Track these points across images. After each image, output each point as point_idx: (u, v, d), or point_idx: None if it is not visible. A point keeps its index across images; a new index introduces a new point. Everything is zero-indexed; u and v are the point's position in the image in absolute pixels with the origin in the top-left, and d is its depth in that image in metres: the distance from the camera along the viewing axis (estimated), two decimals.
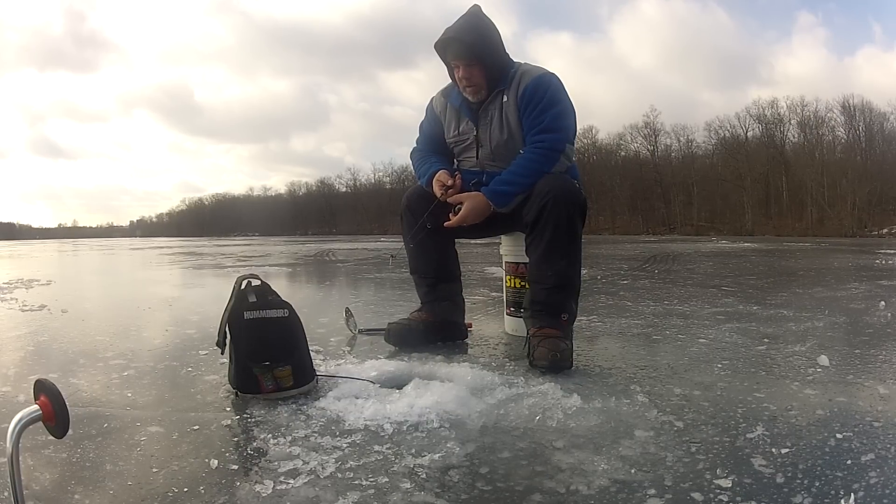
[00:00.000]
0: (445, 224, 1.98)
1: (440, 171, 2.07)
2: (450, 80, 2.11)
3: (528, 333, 1.92)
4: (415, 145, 2.29)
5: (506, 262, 2.35)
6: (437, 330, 2.17)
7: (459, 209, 1.97)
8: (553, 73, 2.03)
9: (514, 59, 2.07)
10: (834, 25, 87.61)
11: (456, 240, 2.26)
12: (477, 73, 1.97)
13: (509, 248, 2.31)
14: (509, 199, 1.94)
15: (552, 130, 1.95)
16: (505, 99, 2.00)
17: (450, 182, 2.01)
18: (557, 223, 1.85)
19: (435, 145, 2.22)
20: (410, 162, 2.28)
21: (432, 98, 2.24)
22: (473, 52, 1.94)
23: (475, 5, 2.02)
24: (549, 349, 1.76)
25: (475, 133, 2.08)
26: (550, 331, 1.84)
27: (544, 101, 1.96)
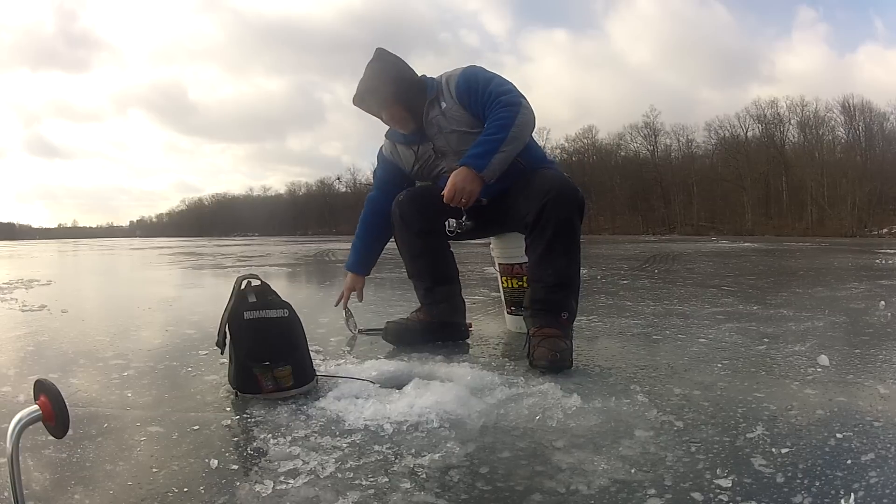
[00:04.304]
0: (446, 199, 1.92)
1: (350, 276, 2.38)
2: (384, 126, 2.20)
3: (528, 333, 1.93)
4: (371, 192, 2.38)
5: (499, 264, 2.36)
6: (436, 331, 2.18)
7: (464, 224, 1.98)
8: (473, 65, 2.08)
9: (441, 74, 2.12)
10: (835, 20, 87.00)
11: (451, 241, 2.25)
12: (398, 111, 2.06)
13: (501, 251, 2.32)
14: (488, 159, 1.87)
15: (502, 93, 1.96)
16: (443, 105, 2.03)
17: (354, 291, 2.36)
18: (558, 222, 1.86)
19: (389, 186, 2.28)
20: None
21: (381, 147, 2.31)
22: (386, 96, 2.04)
23: (377, 49, 2.09)
24: (548, 349, 1.76)
25: (432, 146, 2.10)
26: (550, 330, 1.84)
27: (481, 81, 2.00)
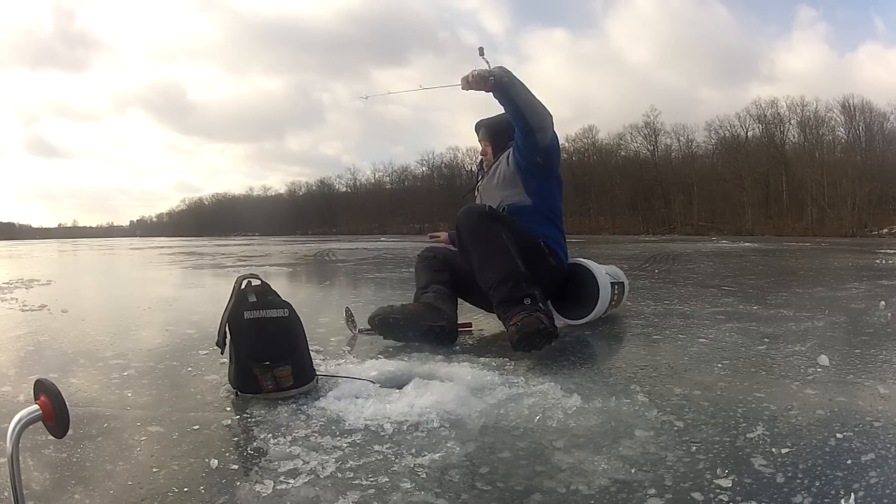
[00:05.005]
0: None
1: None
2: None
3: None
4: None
5: None
6: (419, 314, 2.20)
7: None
8: None
9: None
10: (835, 20, 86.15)
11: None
12: (490, 151, 2.59)
13: None
14: (508, 88, 2.16)
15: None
16: (501, 163, 2.45)
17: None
18: (467, 237, 2.16)
19: None
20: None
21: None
22: (492, 136, 2.58)
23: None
24: (516, 329, 1.89)
25: (479, 181, 2.64)
26: (516, 316, 1.94)
27: None
